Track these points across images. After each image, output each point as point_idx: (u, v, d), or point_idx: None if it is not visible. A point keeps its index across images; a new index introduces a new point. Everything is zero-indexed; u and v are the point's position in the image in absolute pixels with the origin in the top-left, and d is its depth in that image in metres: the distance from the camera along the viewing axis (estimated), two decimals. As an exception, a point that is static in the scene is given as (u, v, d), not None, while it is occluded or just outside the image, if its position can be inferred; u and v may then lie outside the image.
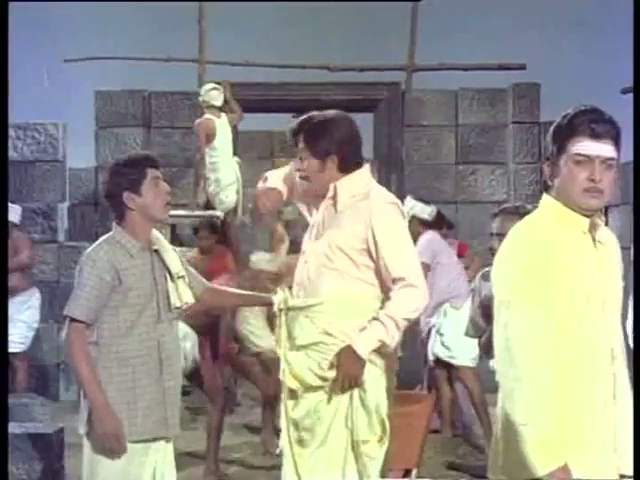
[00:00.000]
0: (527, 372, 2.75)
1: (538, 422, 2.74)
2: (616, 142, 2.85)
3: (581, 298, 2.82)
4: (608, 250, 2.95)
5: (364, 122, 10.34)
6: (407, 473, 5.29)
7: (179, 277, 3.66)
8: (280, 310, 3.71)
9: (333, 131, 3.64)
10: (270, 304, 3.81)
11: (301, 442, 3.64)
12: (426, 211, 7.08)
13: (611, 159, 2.83)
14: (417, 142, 10.15)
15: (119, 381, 3.51)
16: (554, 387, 2.77)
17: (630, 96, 8.11)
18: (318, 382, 3.59)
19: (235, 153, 9.40)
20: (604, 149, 2.81)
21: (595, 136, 2.80)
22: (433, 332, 6.80)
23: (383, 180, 10.16)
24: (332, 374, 3.56)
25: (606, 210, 3.10)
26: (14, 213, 7.63)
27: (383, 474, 3.65)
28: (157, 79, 9.89)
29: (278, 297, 3.73)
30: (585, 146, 2.80)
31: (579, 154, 2.81)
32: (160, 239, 3.71)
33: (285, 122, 12.21)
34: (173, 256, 3.70)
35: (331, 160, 3.63)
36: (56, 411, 6.80)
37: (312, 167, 3.66)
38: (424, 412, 5.48)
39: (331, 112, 3.74)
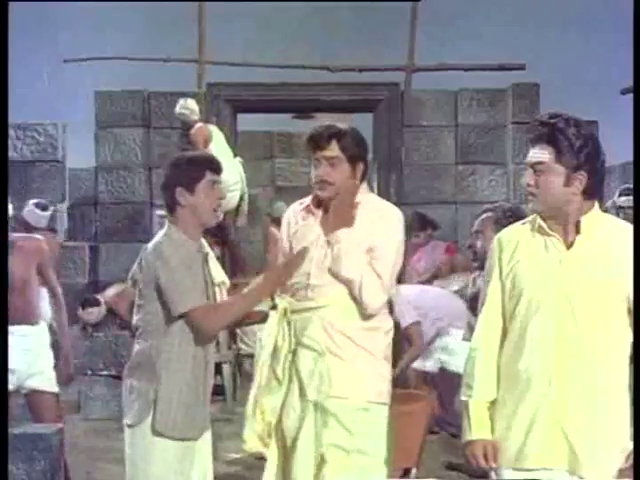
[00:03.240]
0: (475, 350, 3.03)
1: (470, 392, 2.99)
2: (555, 144, 2.88)
3: (528, 299, 2.94)
4: (589, 259, 2.91)
5: (364, 122, 10.36)
6: (407, 473, 5.30)
7: (222, 284, 3.73)
8: (284, 315, 3.74)
9: (364, 140, 3.82)
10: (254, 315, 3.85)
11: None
12: None
13: (539, 163, 2.90)
14: (417, 142, 10.15)
15: (175, 378, 3.53)
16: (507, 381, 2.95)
17: (630, 96, 8.12)
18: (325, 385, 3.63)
19: (235, 154, 9.40)
20: (532, 155, 2.94)
21: (530, 143, 2.96)
22: None
23: (383, 180, 10.17)
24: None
25: (605, 210, 3.08)
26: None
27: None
28: (157, 79, 9.89)
29: (281, 303, 3.75)
30: (528, 155, 2.95)
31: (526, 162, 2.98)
32: (206, 246, 3.75)
33: (285, 122, 12.26)
34: (215, 263, 3.76)
35: (359, 167, 3.75)
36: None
37: (344, 173, 3.73)
38: (423, 411, 5.49)
39: (344, 123, 3.88)
